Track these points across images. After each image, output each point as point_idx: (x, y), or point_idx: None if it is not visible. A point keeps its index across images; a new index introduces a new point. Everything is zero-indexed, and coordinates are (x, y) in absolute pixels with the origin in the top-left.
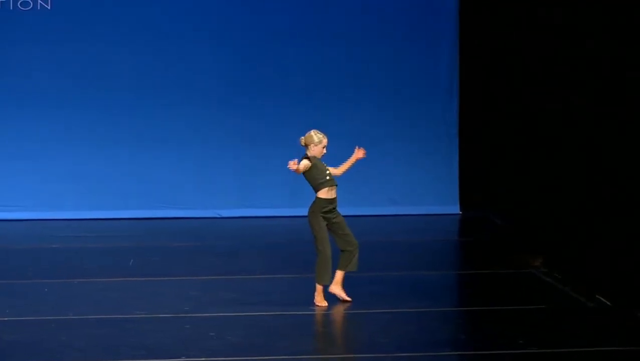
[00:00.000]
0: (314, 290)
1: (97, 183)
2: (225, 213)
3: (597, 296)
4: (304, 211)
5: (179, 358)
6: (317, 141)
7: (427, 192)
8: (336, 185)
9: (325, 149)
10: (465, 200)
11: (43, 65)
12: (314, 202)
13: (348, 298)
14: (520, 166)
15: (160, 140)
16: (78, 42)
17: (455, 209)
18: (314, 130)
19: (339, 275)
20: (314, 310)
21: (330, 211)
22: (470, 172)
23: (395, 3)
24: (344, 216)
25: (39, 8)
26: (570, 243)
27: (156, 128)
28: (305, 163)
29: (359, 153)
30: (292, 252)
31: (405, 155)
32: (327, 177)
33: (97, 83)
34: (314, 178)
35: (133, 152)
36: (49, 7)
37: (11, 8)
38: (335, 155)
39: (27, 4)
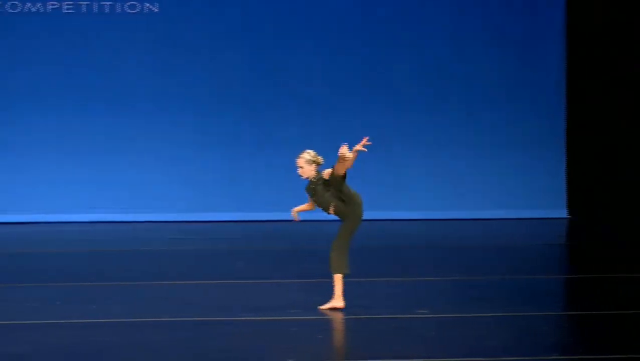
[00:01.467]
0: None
1: (211, 185)
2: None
3: None
4: (408, 214)
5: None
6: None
7: (535, 196)
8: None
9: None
10: (573, 204)
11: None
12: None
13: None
14: (629, 170)
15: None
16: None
17: (562, 213)
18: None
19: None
20: (423, 314)
21: None
22: (578, 177)
23: (503, 9)
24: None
25: (145, 11)
26: None
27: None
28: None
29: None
30: (399, 255)
31: (514, 159)
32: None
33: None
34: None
35: (244, 155)
36: (156, 10)
37: (118, 11)
38: (447, 162)
39: (134, 6)
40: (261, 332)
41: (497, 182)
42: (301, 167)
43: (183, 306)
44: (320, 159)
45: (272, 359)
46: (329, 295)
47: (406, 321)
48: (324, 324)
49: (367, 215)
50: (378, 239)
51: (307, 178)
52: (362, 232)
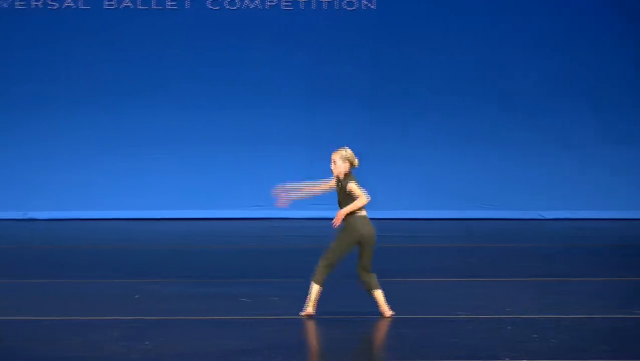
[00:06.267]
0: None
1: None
2: (547, 215)
3: None
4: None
5: (502, 359)
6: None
7: None
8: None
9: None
10: None
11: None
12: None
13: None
14: None
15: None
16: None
17: None
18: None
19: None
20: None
21: None
22: None
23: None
24: None
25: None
26: None
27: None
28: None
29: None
30: (615, 255)
31: None
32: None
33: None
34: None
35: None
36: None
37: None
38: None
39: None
40: (476, 331)
41: None
42: (334, 162)
43: (403, 303)
44: (356, 161)
45: (486, 357)
46: (549, 294)
47: (627, 320)
48: (539, 322)
49: (572, 214)
50: (589, 238)
51: (337, 175)
52: (572, 231)
